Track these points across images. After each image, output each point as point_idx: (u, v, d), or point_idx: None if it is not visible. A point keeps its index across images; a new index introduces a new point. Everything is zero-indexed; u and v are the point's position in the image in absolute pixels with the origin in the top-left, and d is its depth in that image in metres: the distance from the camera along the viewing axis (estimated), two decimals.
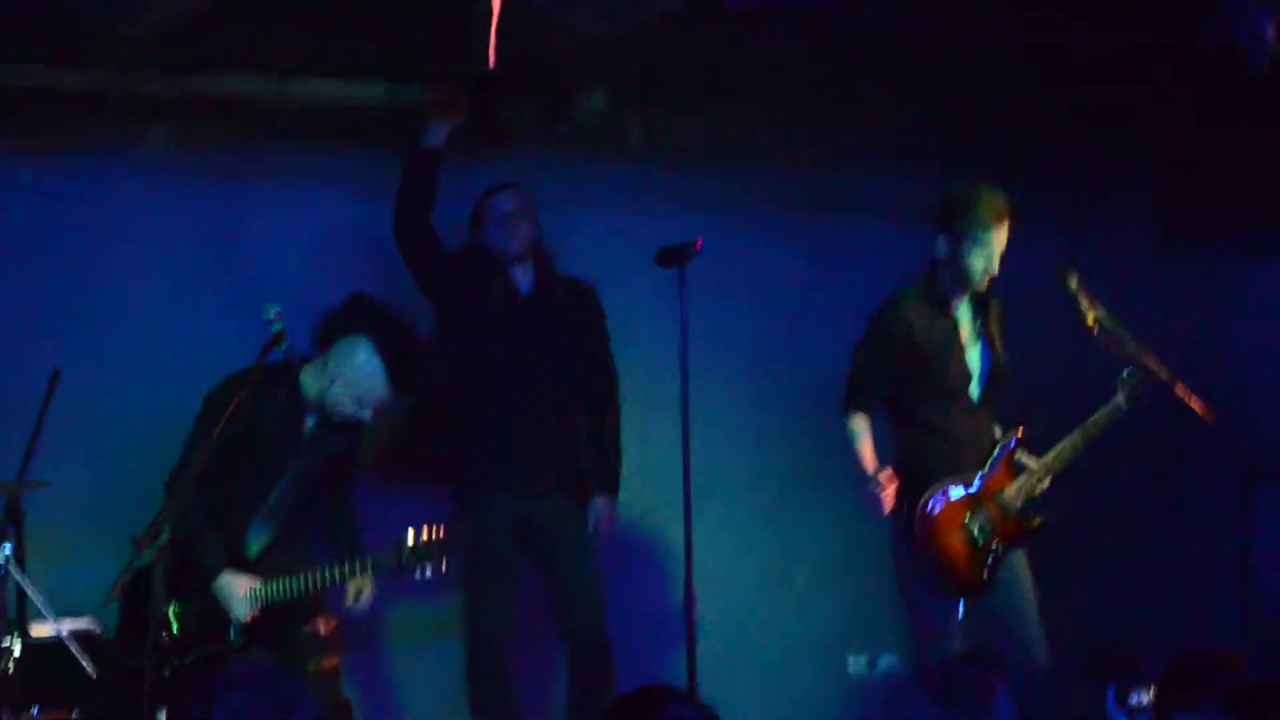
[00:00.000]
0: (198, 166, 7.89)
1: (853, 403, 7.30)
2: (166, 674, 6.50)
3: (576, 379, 7.76)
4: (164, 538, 6.29)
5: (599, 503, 7.80)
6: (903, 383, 7.30)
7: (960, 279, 7.27)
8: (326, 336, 6.95)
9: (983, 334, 7.37)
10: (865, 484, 7.16)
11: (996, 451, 7.29)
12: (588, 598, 7.69)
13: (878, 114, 8.21)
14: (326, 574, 6.79)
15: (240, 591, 6.78)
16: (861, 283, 7.90)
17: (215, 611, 6.82)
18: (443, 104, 7.65)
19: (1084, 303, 7.28)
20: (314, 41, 7.77)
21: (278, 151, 7.99)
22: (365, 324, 6.89)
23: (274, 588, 6.80)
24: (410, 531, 6.75)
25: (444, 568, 6.75)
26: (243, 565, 6.89)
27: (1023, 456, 7.30)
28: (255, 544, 6.96)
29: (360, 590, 6.94)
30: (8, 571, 6.48)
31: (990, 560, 7.20)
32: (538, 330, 7.68)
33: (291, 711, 3.64)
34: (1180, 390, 7.32)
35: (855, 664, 8.75)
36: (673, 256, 6.90)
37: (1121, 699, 5.43)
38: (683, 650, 6.62)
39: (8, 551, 6.48)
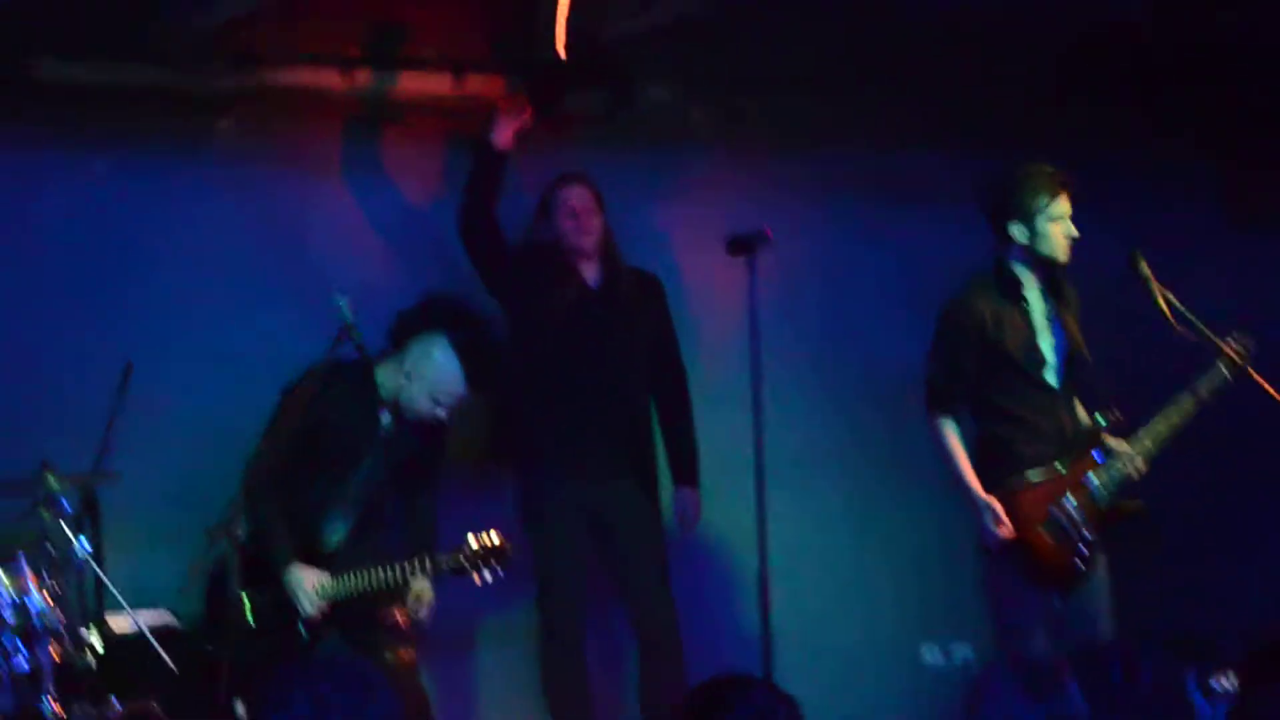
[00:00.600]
0: (267, 159, 7.90)
1: (937, 407, 7.17)
2: (242, 664, 6.55)
3: (645, 370, 7.75)
4: (238, 529, 6.34)
5: (683, 494, 7.79)
6: (981, 375, 7.19)
7: (1038, 260, 7.18)
8: (402, 335, 6.95)
9: (1056, 319, 7.27)
10: (980, 512, 7.01)
11: (1082, 439, 7.21)
12: (656, 587, 7.67)
13: (942, 99, 8.18)
14: (388, 573, 6.80)
15: (308, 585, 6.80)
16: (928, 270, 7.87)
17: (289, 602, 6.84)
18: (511, 105, 7.65)
19: (1155, 286, 7.20)
20: (381, 33, 7.81)
21: (346, 144, 8.01)
22: (442, 322, 6.89)
23: (341, 584, 6.82)
24: (470, 536, 6.80)
25: (502, 573, 6.81)
26: (320, 558, 6.91)
27: (1111, 441, 7.22)
28: (333, 537, 6.98)
29: (420, 595, 6.93)
30: (85, 563, 6.50)
31: (1083, 549, 7.08)
32: (607, 323, 7.67)
33: (371, 699, 3.64)
34: (1253, 374, 7.23)
35: (930, 654, 8.71)
36: (743, 245, 6.89)
37: (1202, 683, 5.38)
38: (756, 641, 6.62)
39: (85, 544, 6.50)
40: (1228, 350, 7.16)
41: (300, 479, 6.86)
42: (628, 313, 7.71)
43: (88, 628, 6.49)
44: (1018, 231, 7.13)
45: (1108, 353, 7.39)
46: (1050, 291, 7.26)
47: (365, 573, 6.80)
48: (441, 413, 6.92)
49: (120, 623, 6.74)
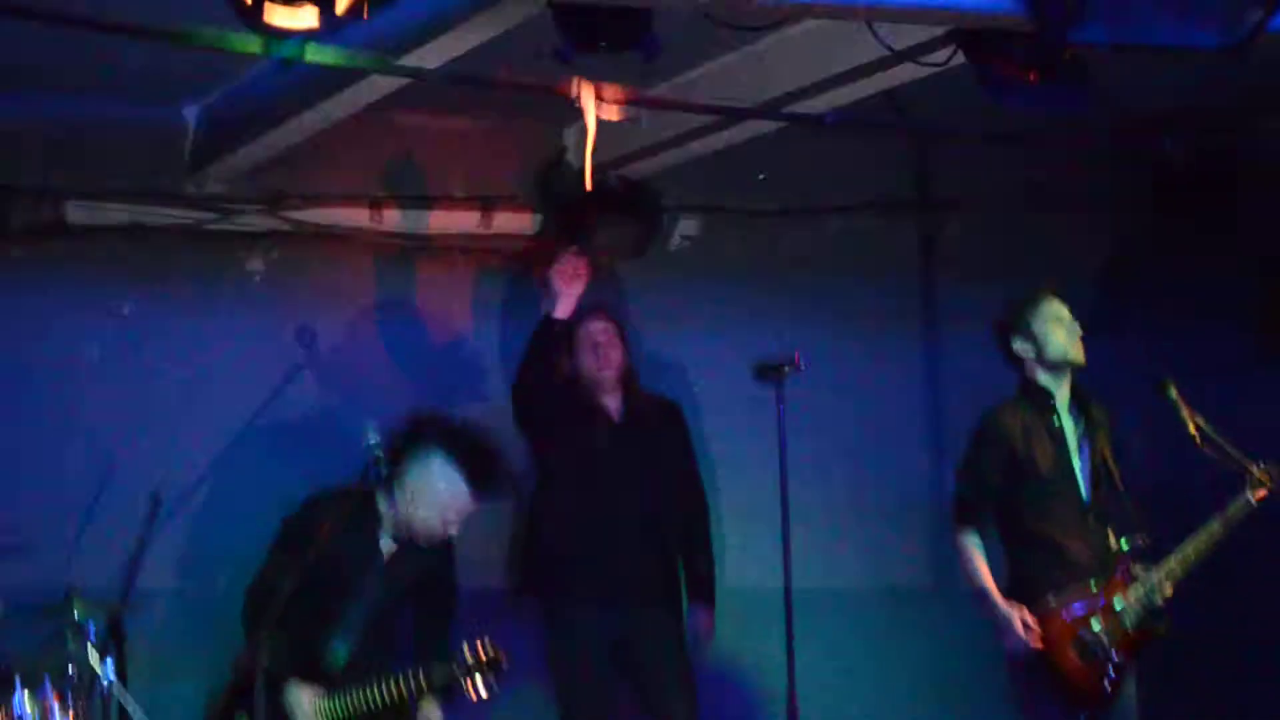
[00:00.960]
0: (298, 293, 8.01)
1: (964, 521, 7.18)
2: None
3: (667, 496, 7.72)
4: (264, 660, 6.31)
5: (696, 613, 7.74)
6: (1011, 492, 7.20)
7: (1051, 365, 7.21)
8: (396, 457, 6.86)
9: (1087, 439, 7.29)
10: (1003, 620, 7.00)
11: (1110, 562, 7.16)
12: (685, 713, 7.58)
13: (966, 225, 8.22)
14: (385, 688, 6.71)
15: (305, 704, 6.75)
16: (956, 393, 7.86)
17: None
18: (568, 271, 7.68)
19: (1185, 412, 7.21)
20: (406, 172, 7.91)
21: (376, 278, 8.09)
22: (434, 439, 6.86)
23: (338, 701, 6.74)
24: (465, 646, 6.72)
25: (496, 687, 6.69)
26: (324, 678, 6.83)
27: (1137, 569, 7.18)
28: (337, 657, 6.91)
29: (429, 715, 6.86)
30: (110, 689, 6.47)
31: (1111, 672, 7.04)
32: (631, 454, 7.67)
33: None
34: None
35: None
36: (771, 371, 6.89)
37: None
38: None
39: (112, 674, 6.48)
40: (1257, 473, 7.14)
41: (300, 604, 6.82)
42: (650, 441, 7.71)
43: None
44: (1021, 347, 7.22)
45: (1139, 475, 7.36)
46: (1080, 410, 7.26)
47: (361, 690, 6.71)
48: (454, 530, 6.88)
49: None
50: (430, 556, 6.99)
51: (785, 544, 6.67)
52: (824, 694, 7.70)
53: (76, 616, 6.52)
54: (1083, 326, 7.20)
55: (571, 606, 7.59)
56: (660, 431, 7.78)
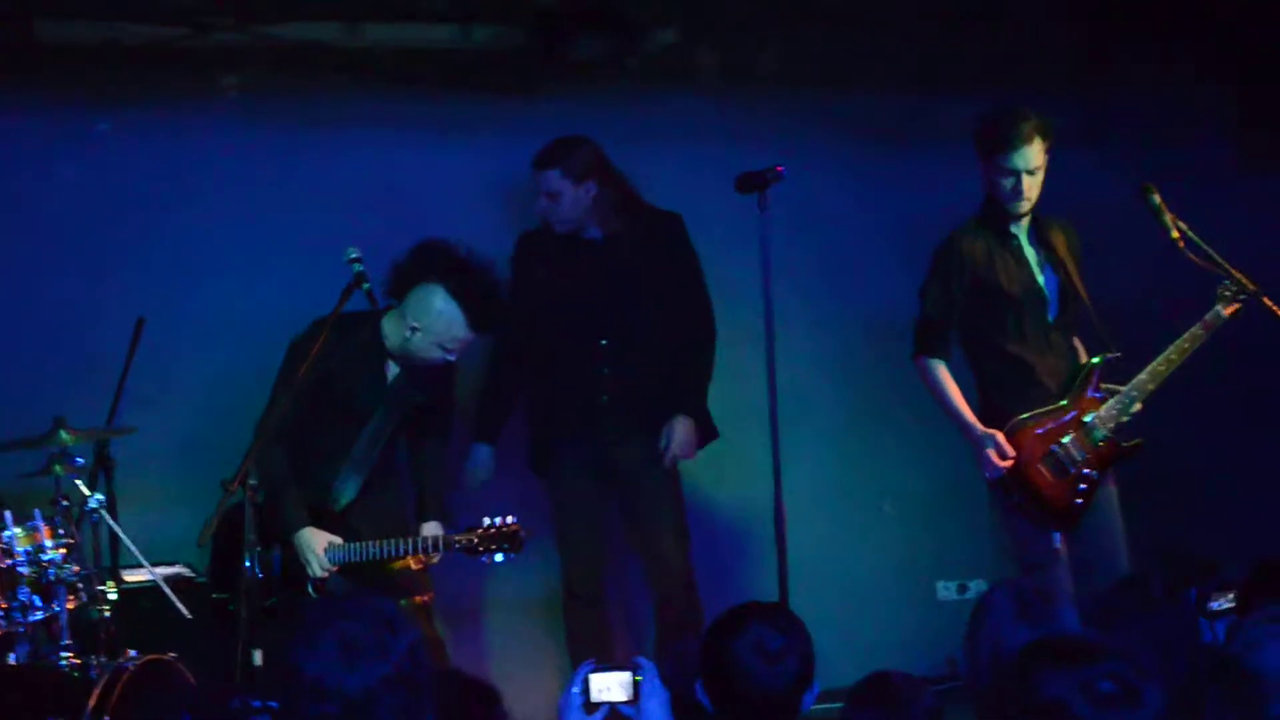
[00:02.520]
0: (271, 114, 7.90)
1: (930, 347, 7.22)
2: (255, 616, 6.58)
3: (662, 316, 7.60)
4: (252, 480, 6.34)
5: (671, 421, 7.56)
6: (974, 315, 7.23)
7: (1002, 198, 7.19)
8: (400, 286, 6.94)
9: (1048, 261, 7.29)
10: (979, 445, 7.04)
11: (1081, 377, 7.21)
12: (673, 545, 7.61)
13: (947, 38, 8.13)
14: (402, 546, 6.82)
15: (318, 548, 6.82)
16: (933, 211, 7.82)
17: (298, 561, 6.87)
18: None
19: (1167, 218, 7.19)
20: None
21: (353, 98, 7.98)
22: (437, 270, 6.88)
23: (351, 550, 6.84)
24: (485, 520, 6.82)
25: (514, 556, 6.85)
26: (330, 517, 6.93)
27: (1107, 386, 7.21)
28: (344, 496, 7.00)
29: (426, 531, 6.99)
30: (100, 518, 6.51)
31: (1083, 487, 7.12)
32: (613, 273, 7.54)
33: (396, 635, 3.63)
34: (1267, 302, 7.22)
35: (944, 590, 8.74)
36: (754, 182, 6.85)
37: (1203, 605, 5.39)
38: (774, 574, 6.61)
39: (100, 498, 6.51)
40: (1240, 277, 7.14)
41: (310, 432, 6.88)
42: (637, 258, 7.55)
43: (103, 581, 6.50)
44: (981, 173, 7.18)
45: (1110, 289, 7.37)
46: (1039, 232, 7.27)
47: (378, 544, 6.82)
48: (451, 357, 6.95)
49: (136, 576, 6.75)
50: (433, 381, 7.04)
51: (770, 363, 6.65)
52: (808, 502, 7.81)
53: (64, 445, 6.56)
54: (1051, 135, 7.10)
55: (555, 434, 7.60)
56: (652, 246, 7.58)
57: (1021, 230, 7.25)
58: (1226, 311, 7.11)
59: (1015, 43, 8.13)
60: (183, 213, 7.78)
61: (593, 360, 7.53)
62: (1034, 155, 7.07)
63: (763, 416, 6.77)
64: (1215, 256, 7.16)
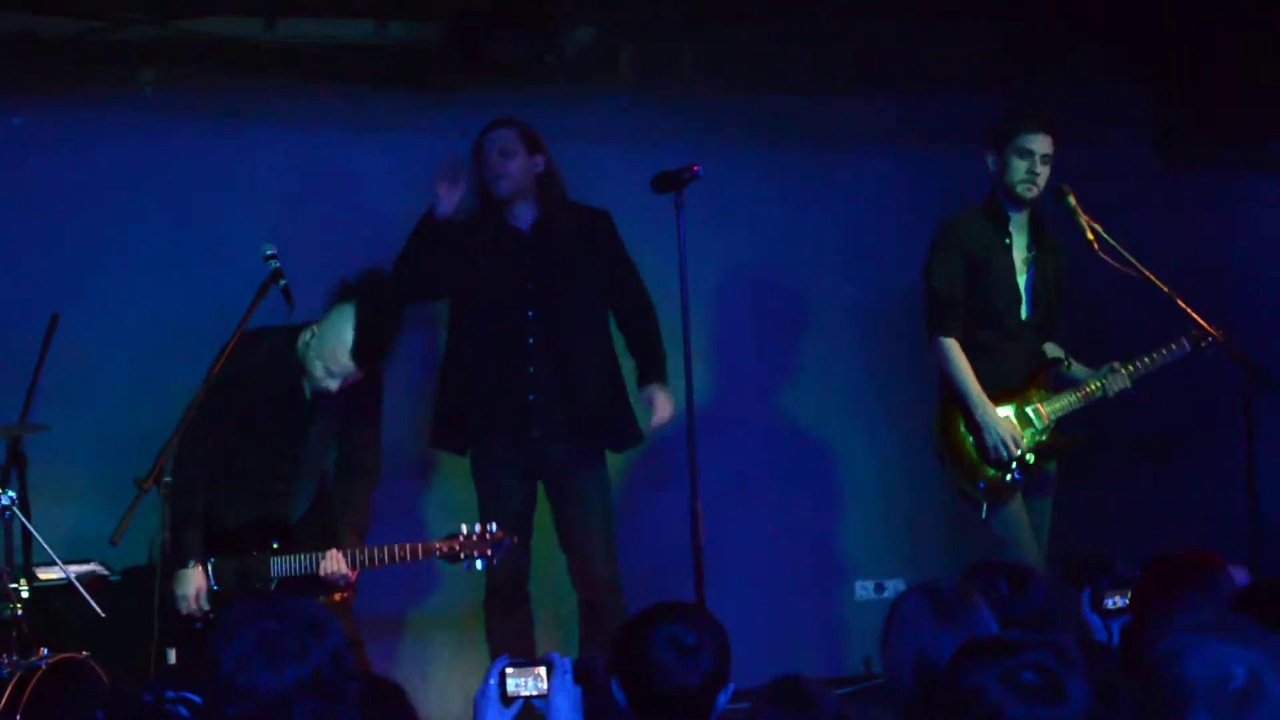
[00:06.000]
0: (187, 108, 7.84)
1: (942, 327, 7.43)
2: (197, 624, 6.63)
3: (593, 315, 7.60)
4: (167, 477, 6.29)
5: (647, 390, 7.56)
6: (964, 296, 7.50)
7: (1012, 194, 7.44)
8: (331, 300, 6.87)
9: (1035, 262, 7.52)
10: (986, 429, 7.31)
11: (1039, 370, 7.51)
12: (599, 553, 7.59)
13: (867, 37, 8.15)
14: (410, 551, 6.83)
15: (191, 591, 6.71)
16: (853, 209, 7.86)
17: (252, 570, 6.83)
18: (447, 177, 7.49)
19: (1082, 220, 7.34)
20: None
21: (266, 92, 7.93)
22: (364, 293, 6.81)
23: (370, 554, 6.80)
24: (464, 526, 6.83)
25: (494, 562, 6.86)
26: (282, 531, 6.88)
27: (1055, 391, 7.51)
28: (295, 514, 6.95)
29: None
30: (12, 515, 6.45)
31: (1016, 470, 7.37)
32: (539, 265, 7.52)
33: (321, 639, 3.60)
34: (1181, 304, 7.32)
35: (862, 590, 8.77)
36: (670, 182, 6.85)
37: (1097, 603, 5.45)
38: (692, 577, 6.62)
39: (12, 496, 6.45)
40: (1155, 280, 7.27)
41: (244, 451, 6.82)
42: (564, 251, 7.53)
43: (15, 579, 6.44)
44: (991, 161, 7.44)
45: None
46: (1035, 233, 7.53)
47: (386, 550, 6.81)
48: (333, 384, 6.82)
49: (49, 574, 6.68)
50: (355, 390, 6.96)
51: (687, 362, 6.64)
52: (726, 501, 7.86)
53: None
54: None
55: (484, 430, 7.56)
56: (580, 240, 7.56)
57: (1020, 230, 7.50)
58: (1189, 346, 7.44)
59: (934, 43, 8.16)
60: (98, 207, 7.72)
61: (519, 358, 7.50)
62: (1048, 143, 7.39)
63: (681, 416, 6.77)
64: (1129, 257, 7.29)
